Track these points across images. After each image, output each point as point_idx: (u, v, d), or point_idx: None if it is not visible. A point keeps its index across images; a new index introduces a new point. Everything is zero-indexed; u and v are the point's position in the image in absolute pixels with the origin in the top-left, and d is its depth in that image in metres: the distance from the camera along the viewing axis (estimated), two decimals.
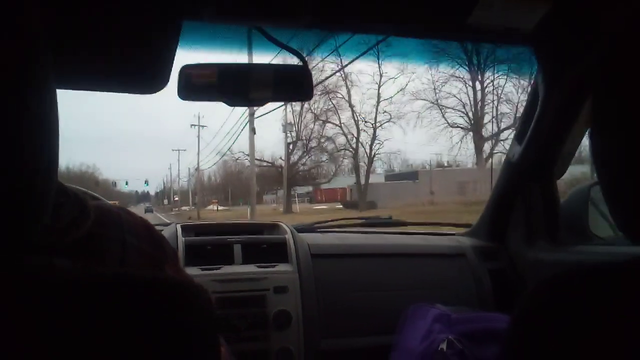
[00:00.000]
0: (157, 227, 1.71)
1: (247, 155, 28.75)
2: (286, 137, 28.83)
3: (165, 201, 76.35)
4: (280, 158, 31.72)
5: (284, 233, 1.71)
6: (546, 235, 1.65)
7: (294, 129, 29.95)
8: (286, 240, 1.66)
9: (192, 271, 1.50)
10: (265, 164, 33.73)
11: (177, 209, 58.90)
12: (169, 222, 1.83)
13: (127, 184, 61.58)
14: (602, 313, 0.48)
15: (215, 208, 45.96)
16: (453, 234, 1.99)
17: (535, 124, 1.52)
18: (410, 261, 1.72)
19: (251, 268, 1.57)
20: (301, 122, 30.32)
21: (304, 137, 30.57)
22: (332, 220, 2.13)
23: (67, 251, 0.53)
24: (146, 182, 58.66)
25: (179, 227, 1.67)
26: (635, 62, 0.48)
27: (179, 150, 64.63)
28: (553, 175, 1.65)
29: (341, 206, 31.98)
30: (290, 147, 30.24)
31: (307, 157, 31.61)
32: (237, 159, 35.90)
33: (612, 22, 1.07)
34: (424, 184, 30.01)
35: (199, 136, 41.66)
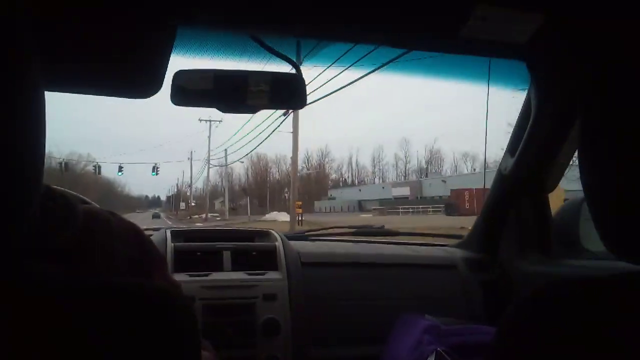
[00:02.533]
0: (147, 232, 1.70)
1: None
2: None
3: (183, 204, 62.54)
4: None
5: (274, 240, 1.70)
6: (538, 248, 1.65)
7: None
8: (276, 248, 1.65)
9: (181, 277, 1.48)
10: None
11: (200, 215, 44.66)
12: (159, 227, 1.82)
13: (121, 170, 39.36)
14: (586, 326, 0.48)
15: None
16: (445, 245, 1.99)
17: (528, 137, 1.52)
18: (401, 271, 1.72)
19: (240, 275, 1.56)
20: None
21: None
22: (323, 229, 2.13)
23: (55, 256, 0.53)
24: (154, 170, 38.74)
25: (168, 232, 1.66)
26: (626, 77, 0.49)
27: (209, 120, 42.64)
28: (545, 188, 1.65)
29: None
30: None
31: None
32: None
33: (604, 37, 1.08)
34: None
35: None
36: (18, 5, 0.41)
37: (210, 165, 47.19)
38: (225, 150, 42.11)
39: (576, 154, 1.57)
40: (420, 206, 43.60)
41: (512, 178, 1.63)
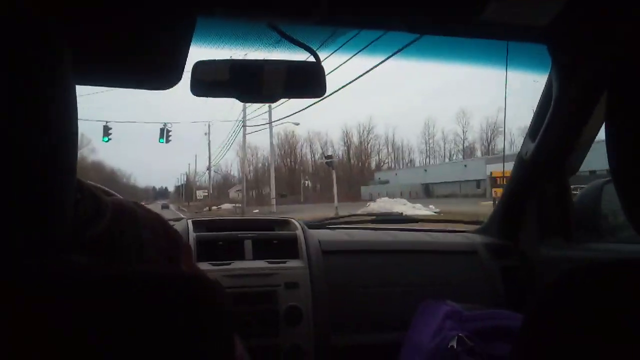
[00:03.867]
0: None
1: None
2: None
3: (202, 193, 53.16)
4: None
5: (294, 229, 1.72)
6: (559, 233, 1.64)
7: None
8: (297, 236, 1.66)
9: (203, 266, 1.50)
10: None
11: (219, 207, 37.17)
12: (181, 216, 1.84)
13: (107, 134, 21.97)
14: (613, 310, 0.48)
15: None
16: (464, 231, 1.98)
17: (549, 121, 1.51)
18: (421, 258, 1.72)
19: (262, 264, 1.58)
20: None
21: None
22: (342, 217, 2.14)
23: (85, 248, 0.54)
24: (163, 135, 24.98)
25: (190, 222, 1.68)
26: None
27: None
28: (566, 173, 1.64)
29: None
30: None
31: None
32: None
33: (625, 19, 1.06)
34: None
35: None
36: (50, 3, 0.42)
37: (249, 129, 31.70)
38: (269, 105, 26.83)
39: (598, 137, 1.56)
40: None
41: (533, 162, 1.62)
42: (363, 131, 70.49)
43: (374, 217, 2.17)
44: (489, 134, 69.89)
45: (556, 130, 1.52)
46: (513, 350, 0.56)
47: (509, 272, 1.71)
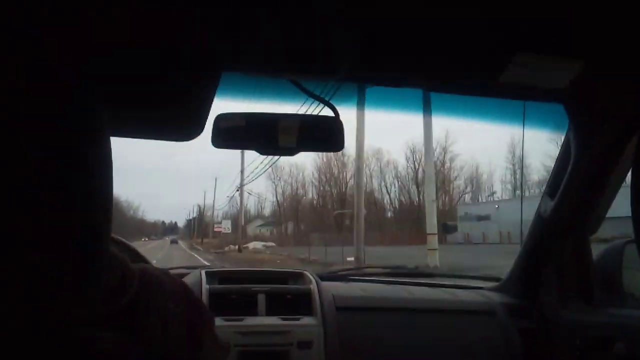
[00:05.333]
0: (180, 272, 1.70)
1: None
2: None
3: (224, 224, 37.25)
4: None
5: (308, 283, 1.69)
6: (579, 295, 1.60)
7: None
8: (311, 291, 1.63)
9: (216, 321, 1.48)
10: None
11: (255, 248, 28.62)
12: (195, 265, 1.83)
13: None
14: None
15: None
16: (481, 288, 1.94)
17: (568, 180, 1.50)
18: (438, 318, 1.68)
19: (275, 320, 1.55)
20: None
21: None
22: (357, 269, 2.11)
23: (110, 322, 0.51)
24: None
25: (203, 273, 1.67)
26: None
27: None
28: (586, 232, 1.61)
29: None
30: None
31: None
32: None
33: None
34: None
35: None
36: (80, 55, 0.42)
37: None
38: None
39: (618, 196, 1.54)
40: None
41: (551, 221, 1.60)
42: (437, 148, 44.74)
43: (388, 269, 2.13)
44: None
45: (576, 189, 1.50)
46: None
47: (528, 334, 1.66)
